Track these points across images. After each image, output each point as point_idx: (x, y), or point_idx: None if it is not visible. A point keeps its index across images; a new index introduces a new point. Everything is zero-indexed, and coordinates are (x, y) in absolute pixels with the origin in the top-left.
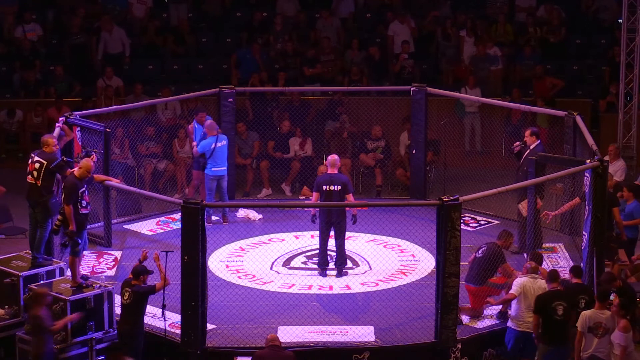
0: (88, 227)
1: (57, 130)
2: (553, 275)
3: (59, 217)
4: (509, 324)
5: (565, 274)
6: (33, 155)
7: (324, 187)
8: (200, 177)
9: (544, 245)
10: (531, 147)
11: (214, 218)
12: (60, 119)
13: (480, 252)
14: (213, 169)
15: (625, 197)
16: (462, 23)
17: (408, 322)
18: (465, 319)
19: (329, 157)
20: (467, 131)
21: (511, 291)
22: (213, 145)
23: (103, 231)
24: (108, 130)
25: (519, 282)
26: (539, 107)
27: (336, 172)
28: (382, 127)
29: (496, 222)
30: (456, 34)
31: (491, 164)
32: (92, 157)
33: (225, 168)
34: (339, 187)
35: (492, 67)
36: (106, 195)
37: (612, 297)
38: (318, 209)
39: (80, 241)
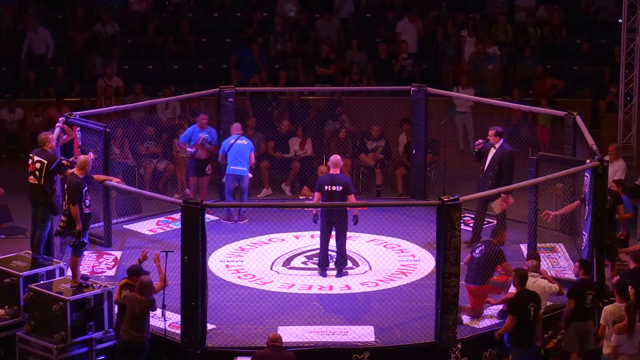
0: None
1: (57, 130)
2: (586, 266)
3: (63, 218)
4: None
5: (565, 274)
6: (32, 155)
7: (326, 188)
8: (196, 184)
9: (544, 244)
10: (496, 146)
11: (213, 218)
12: (61, 118)
13: (477, 251)
14: (232, 167)
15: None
16: (462, 23)
17: (408, 322)
18: (465, 319)
19: (331, 157)
20: (460, 131)
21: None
22: (232, 141)
23: (103, 231)
24: (108, 130)
25: None
26: (540, 107)
27: (338, 172)
28: (381, 127)
29: (496, 222)
30: (457, 34)
31: None
32: (89, 155)
33: (245, 169)
34: (341, 188)
35: (490, 66)
36: (106, 195)
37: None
38: (319, 209)
39: (86, 241)
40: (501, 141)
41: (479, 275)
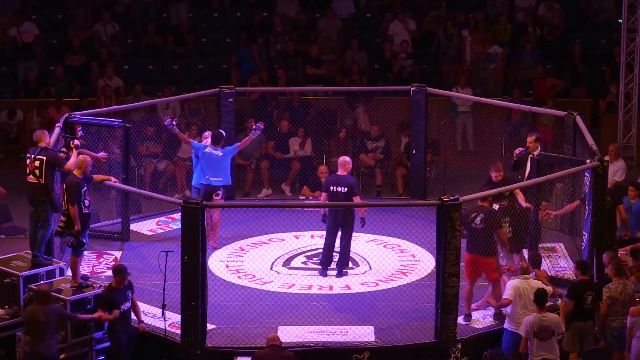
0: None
1: (57, 130)
2: (584, 266)
3: (63, 218)
4: (506, 325)
5: (565, 274)
6: (30, 154)
7: (331, 188)
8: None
9: (544, 244)
10: (535, 153)
11: None
12: (62, 118)
13: (478, 221)
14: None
15: (630, 196)
16: (463, 22)
17: (408, 322)
18: (463, 319)
19: (340, 159)
20: (459, 131)
21: (505, 296)
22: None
23: (121, 228)
24: (127, 125)
25: (512, 284)
26: (542, 107)
27: (345, 173)
28: (381, 126)
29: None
30: (458, 34)
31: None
32: (74, 144)
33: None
34: (346, 189)
35: (491, 66)
36: (122, 194)
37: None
38: (328, 209)
39: (85, 242)
40: (539, 148)
41: (483, 246)
